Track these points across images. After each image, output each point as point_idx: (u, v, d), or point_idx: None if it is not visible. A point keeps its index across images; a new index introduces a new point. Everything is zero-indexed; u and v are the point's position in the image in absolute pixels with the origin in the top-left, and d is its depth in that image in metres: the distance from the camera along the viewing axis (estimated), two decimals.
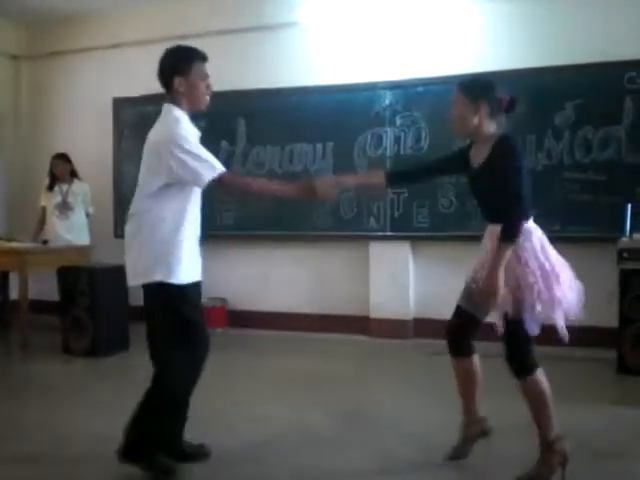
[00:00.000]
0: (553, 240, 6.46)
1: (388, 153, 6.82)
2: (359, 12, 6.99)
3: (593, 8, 6.26)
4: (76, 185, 7.40)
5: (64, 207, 7.30)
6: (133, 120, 7.94)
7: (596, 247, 6.11)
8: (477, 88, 3.51)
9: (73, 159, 7.45)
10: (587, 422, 4.31)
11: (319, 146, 7.14)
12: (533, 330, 3.36)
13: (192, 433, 3.80)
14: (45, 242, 7.12)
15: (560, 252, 6.38)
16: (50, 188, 7.34)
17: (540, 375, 3.38)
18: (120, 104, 7.97)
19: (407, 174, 4.08)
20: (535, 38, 6.40)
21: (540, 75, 6.29)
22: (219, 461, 3.67)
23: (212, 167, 3.32)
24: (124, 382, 5.41)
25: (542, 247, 3.47)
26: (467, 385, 3.60)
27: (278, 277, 7.46)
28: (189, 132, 3.40)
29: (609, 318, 5.62)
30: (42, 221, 7.43)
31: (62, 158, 7.37)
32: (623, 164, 6.09)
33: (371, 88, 6.88)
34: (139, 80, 7.87)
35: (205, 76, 3.62)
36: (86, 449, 3.89)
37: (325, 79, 7.15)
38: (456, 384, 3.63)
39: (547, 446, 3.34)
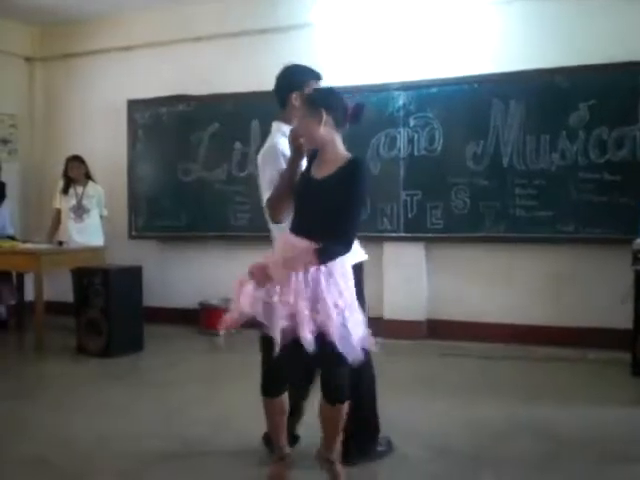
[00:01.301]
0: (567, 241, 6.49)
1: (402, 154, 6.81)
2: (372, 13, 6.98)
3: (608, 9, 6.22)
4: (91, 187, 7.43)
5: (79, 210, 7.33)
6: (147, 122, 7.96)
7: (611, 248, 6.08)
8: (318, 97, 3.25)
9: (87, 161, 7.48)
10: (601, 424, 4.29)
11: None
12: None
13: (203, 433, 3.82)
14: (60, 243, 7.16)
15: (574, 253, 6.41)
16: (65, 191, 7.37)
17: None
18: (134, 106, 8.00)
19: None
20: (549, 39, 6.37)
21: (554, 76, 6.26)
22: (231, 462, 3.68)
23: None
24: (138, 383, 5.43)
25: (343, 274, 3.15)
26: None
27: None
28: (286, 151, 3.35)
29: (624, 320, 5.60)
30: (57, 223, 7.46)
31: (77, 160, 7.40)
32: (638, 164, 6.04)
33: (385, 89, 6.87)
34: (153, 82, 7.93)
35: None
36: (100, 449, 3.90)
37: (338, 80, 7.14)
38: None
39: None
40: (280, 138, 3.48)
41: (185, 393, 5.01)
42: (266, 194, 3.42)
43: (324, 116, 3.09)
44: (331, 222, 3.00)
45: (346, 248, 3.04)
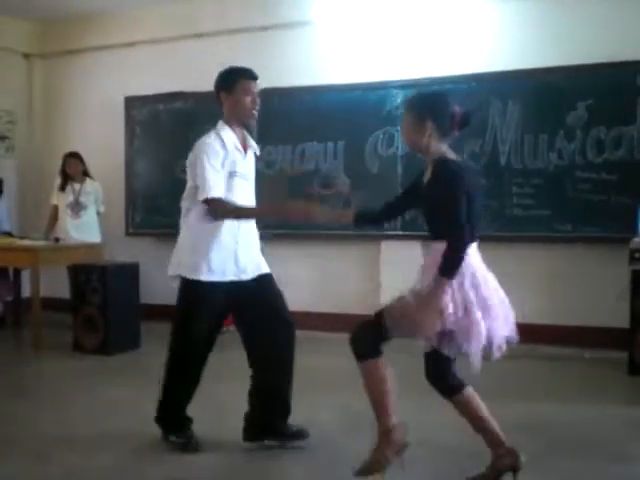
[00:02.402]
0: (564, 240, 6.49)
1: (399, 152, 6.81)
2: (371, 11, 6.98)
3: (606, 8, 6.23)
4: (88, 184, 7.42)
5: (76, 206, 7.32)
6: (145, 119, 7.96)
7: (608, 247, 6.09)
8: (424, 105, 3.26)
9: (85, 157, 7.47)
10: (598, 423, 4.30)
11: (330, 145, 7.13)
12: (450, 354, 3.27)
13: (204, 430, 3.82)
14: (57, 240, 7.15)
15: (571, 252, 6.42)
16: (62, 188, 7.36)
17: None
18: (132, 103, 7.99)
19: (376, 217, 3.85)
20: (547, 38, 6.38)
21: (552, 75, 6.27)
22: (231, 458, 3.69)
23: (209, 189, 3.61)
24: (135, 380, 5.43)
25: (472, 275, 3.26)
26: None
27: (289, 276, 7.41)
28: (219, 149, 3.71)
29: (620, 319, 5.61)
30: (54, 219, 7.45)
31: (75, 157, 7.39)
32: (635, 164, 6.06)
33: (383, 87, 6.87)
34: (152, 79, 7.92)
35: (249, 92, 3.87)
36: (98, 446, 3.90)
37: (337, 78, 7.15)
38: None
39: (382, 434, 3.29)
40: (212, 137, 3.76)
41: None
42: (216, 188, 3.65)
43: (429, 127, 3.15)
44: (438, 225, 3.16)
45: (457, 248, 3.05)
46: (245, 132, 3.97)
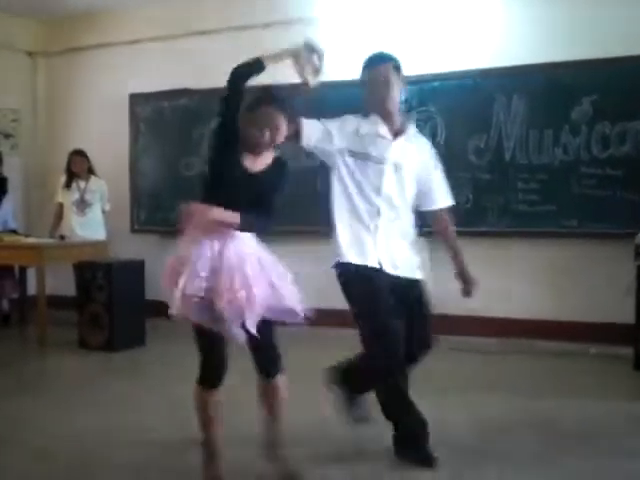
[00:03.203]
0: (570, 236, 6.48)
1: None
2: (375, 7, 6.97)
3: (611, 3, 6.20)
4: (93, 182, 7.42)
5: (82, 204, 7.33)
6: (149, 116, 7.97)
7: (613, 243, 6.08)
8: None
9: (89, 155, 7.47)
10: (604, 418, 4.29)
11: None
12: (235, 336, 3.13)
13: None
14: (62, 237, 7.16)
15: (577, 248, 6.41)
16: (67, 185, 7.37)
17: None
18: (136, 100, 8.00)
19: None
20: (552, 33, 6.35)
21: (557, 70, 6.25)
22: (236, 456, 3.68)
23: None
24: (141, 377, 5.44)
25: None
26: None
27: (295, 272, 7.44)
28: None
29: (626, 314, 5.60)
30: (59, 217, 7.46)
31: (80, 155, 7.39)
32: None
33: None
34: (156, 76, 7.92)
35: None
36: (104, 444, 3.91)
37: (340, 74, 7.13)
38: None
39: None
40: None
41: (188, 387, 4.98)
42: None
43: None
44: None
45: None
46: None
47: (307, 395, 4.30)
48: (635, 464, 3.58)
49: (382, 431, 3.68)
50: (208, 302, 3.05)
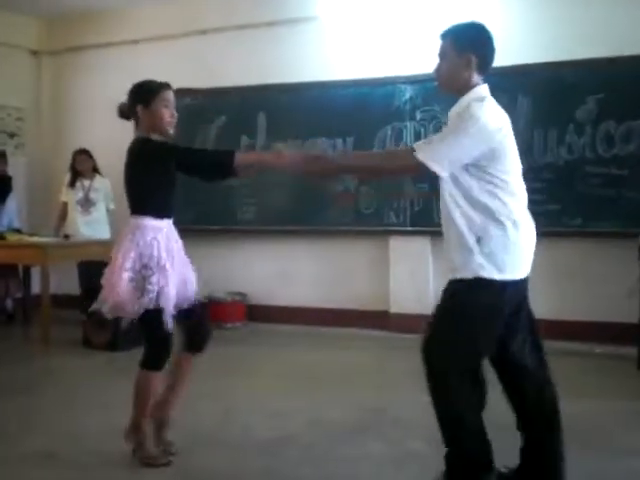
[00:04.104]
0: (574, 235, 6.46)
1: None
2: (378, 6, 6.96)
3: (616, 2, 6.20)
4: (98, 181, 7.42)
5: (86, 203, 7.33)
6: None
7: (617, 242, 6.07)
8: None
9: (94, 154, 7.47)
10: (608, 418, 4.29)
11: (339, 141, 7.12)
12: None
13: (210, 426, 3.82)
14: (67, 237, 7.16)
15: (581, 247, 6.39)
16: (72, 184, 7.37)
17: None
18: None
19: None
20: (556, 31, 6.34)
21: (561, 69, 6.25)
22: (237, 455, 3.69)
23: None
24: None
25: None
26: None
27: (298, 272, 7.47)
28: None
29: (630, 314, 5.59)
30: (63, 216, 7.46)
31: (84, 153, 7.39)
32: None
33: (391, 82, 6.85)
34: (159, 75, 7.83)
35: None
36: (108, 443, 3.90)
37: (345, 74, 7.14)
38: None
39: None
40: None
41: (191, 386, 5.00)
42: None
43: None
44: None
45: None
46: None
47: (306, 395, 4.30)
48: (638, 463, 3.58)
49: None
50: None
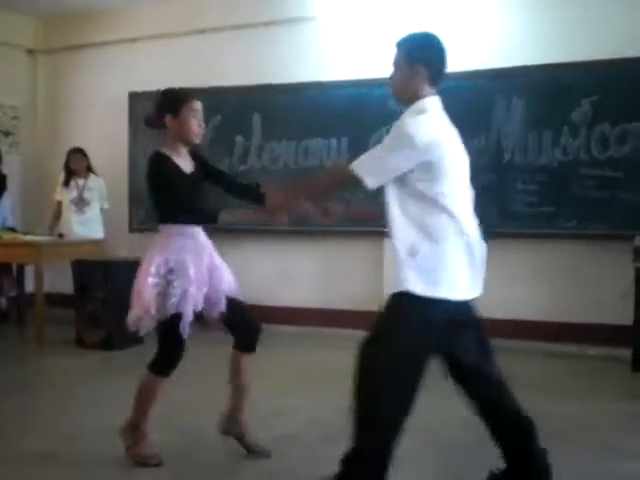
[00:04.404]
0: (568, 237, 6.47)
1: None
2: (375, 7, 6.97)
3: (611, 4, 6.21)
4: (92, 180, 7.41)
5: (80, 202, 7.32)
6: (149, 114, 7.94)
7: (612, 244, 6.08)
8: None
9: (89, 153, 7.46)
10: (601, 420, 4.30)
11: (334, 141, 7.12)
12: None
13: (210, 426, 3.82)
14: (61, 236, 7.15)
15: (575, 249, 6.40)
16: (66, 183, 7.36)
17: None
18: (136, 99, 7.98)
19: None
20: (551, 34, 6.35)
21: (557, 71, 6.25)
22: (237, 455, 3.68)
23: None
24: (139, 376, 5.41)
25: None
26: None
27: (294, 272, 7.46)
28: None
29: (624, 316, 5.60)
30: (57, 215, 7.45)
31: (79, 152, 7.38)
32: None
33: (387, 83, 6.82)
34: (155, 75, 7.91)
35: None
36: (103, 443, 3.90)
37: (340, 74, 7.14)
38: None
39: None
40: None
41: (186, 387, 4.99)
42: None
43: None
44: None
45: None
46: None
47: (305, 395, 4.29)
48: (633, 465, 3.59)
49: None
50: None
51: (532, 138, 6.35)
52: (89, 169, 7.43)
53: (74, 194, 7.33)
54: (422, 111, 2.98)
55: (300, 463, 3.55)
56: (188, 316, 3.47)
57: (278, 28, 7.37)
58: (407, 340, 2.88)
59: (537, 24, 6.43)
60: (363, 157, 2.88)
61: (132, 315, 3.66)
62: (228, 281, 3.68)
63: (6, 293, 7.72)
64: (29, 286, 7.35)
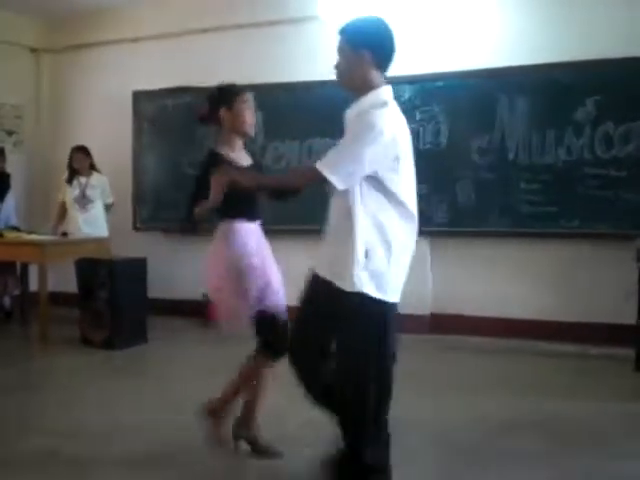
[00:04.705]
0: (572, 236, 6.46)
1: None
2: (378, 6, 6.96)
3: (616, 4, 6.20)
4: (94, 178, 7.40)
5: (83, 200, 7.31)
6: (152, 113, 7.96)
7: (615, 244, 6.08)
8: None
9: (92, 152, 7.45)
10: (604, 419, 4.30)
11: (338, 141, 7.11)
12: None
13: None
14: (65, 234, 7.16)
15: (579, 249, 6.40)
16: (69, 181, 7.36)
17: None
18: (139, 97, 8.00)
19: None
20: (555, 33, 6.35)
21: (560, 70, 6.25)
22: (240, 456, 3.69)
23: None
24: (143, 375, 5.45)
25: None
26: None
27: (296, 273, 7.43)
28: None
29: (627, 315, 5.60)
30: (62, 214, 7.44)
31: (82, 151, 7.37)
32: None
33: (390, 82, 6.82)
34: (159, 74, 7.93)
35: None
36: (107, 441, 3.91)
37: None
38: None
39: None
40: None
41: (190, 385, 5.02)
42: None
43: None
44: None
45: None
46: None
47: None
48: (636, 465, 3.59)
49: None
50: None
51: (536, 137, 6.35)
52: (92, 167, 7.43)
53: (77, 192, 7.32)
54: (384, 104, 2.94)
55: (301, 463, 3.55)
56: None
57: (281, 28, 7.37)
58: (368, 337, 2.93)
59: (540, 23, 6.42)
60: (332, 156, 2.84)
61: (221, 321, 3.57)
62: (277, 282, 3.70)
63: (10, 292, 7.74)
64: (33, 285, 7.36)
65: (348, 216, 2.85)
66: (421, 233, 6.95)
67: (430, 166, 6.67)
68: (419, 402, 4.62)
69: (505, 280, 6.60)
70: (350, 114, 3.04)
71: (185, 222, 3.62)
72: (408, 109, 6.78)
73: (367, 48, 2.94)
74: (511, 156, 6.43)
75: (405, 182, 2.93)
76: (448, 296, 6.84)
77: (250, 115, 3.59)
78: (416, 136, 6.74)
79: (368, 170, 2.80)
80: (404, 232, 2.96)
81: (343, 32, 3.01)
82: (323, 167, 2.79)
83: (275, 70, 7.39)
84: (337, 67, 3.05)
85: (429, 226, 6.75)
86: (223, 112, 3.57)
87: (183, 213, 3.60)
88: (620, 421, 4.28)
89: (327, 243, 3.01)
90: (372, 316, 2.91)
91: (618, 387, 5.05)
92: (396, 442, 3.85)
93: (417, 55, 6.81)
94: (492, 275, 6.67)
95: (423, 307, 6.89)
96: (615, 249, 6.06)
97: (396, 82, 7.07)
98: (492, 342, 6.36)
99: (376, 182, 2.84)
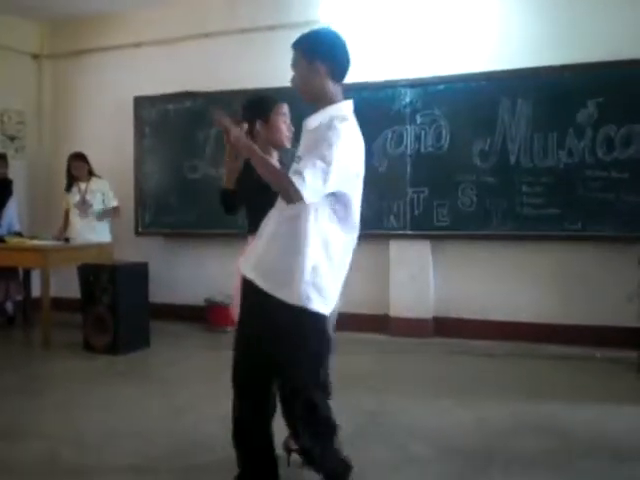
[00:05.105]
0: (574, 239, 6.46)
1: (408, 151, 6.79)
2: (379, 10, 6.97)
3: (616, 5, 6.21)
4: (94, 183, 7.40)
5: (83, 205, 7.30)
6: (154, 119, 7.97)
7: (618, 246, 6.07)
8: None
9: (94, 158, 7.46)
10: (609, 422, 4.28)
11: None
12: None
13: (210, 428, 3.82)
14: (67, 240, 7.16)
15: (581, 251, 6.41)
16: (68, 189, 7.38)
17: None
18: (141, 103, 8.00)
19: None
20: (556, 35, 6.35)
21: (562, 73, 6.25)
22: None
23: None
24: (145, 379, 5.44)
25: None
26: None
27: None
28: None
29: (631, 318, 5.60)
30: (67, 221, 7.45)
31: (79, 158, 7.36)
32: None
33: (391, 86, 6.86)
34: (160, 79, 7.94)
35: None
36: (109, 446, 3.91)
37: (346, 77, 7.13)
38: None
39: None
40: None
41: (192, 390, 5.02)
42: None
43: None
44: None
45: None
46: None
47: None
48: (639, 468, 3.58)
49: None
50: None
51: (537, 140, 6.35)
52: (90, 173, 7.42)
53: (77, 198, 7.33)
54: (344, 119, 2.90)
55: (301, 466, 3.54)
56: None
57: (283, 32, 7.35)
58: (311, 350, 2.97)
59: (542, 26, 6.43)
60: (302, 173, 2.72)
61: None
62: None
63: (13, 297, 7.74)
64: (35, 290, 7.37)
65: (299, 230, 2.82)
66: (423, 237, 6.98)
67: (431, 169, 6.68)
68: (422, 405, 4.61)
69: (508, 283, 6.59)
70: (310, 124, 3.01)
71: (223, 205, 3.63)
72: (409, 112, 6.80)
73: (321, 60, 2.91)
74: (513, 159, 6.42)
75: (358, 197, 2.94)
76: (451, 300, 6.84)
77: (285, 127, 3.56)
78: (417, 139, 6.77)
79: (335, 187, 2.78)
80: (343, 248, 2.95)
81: (297, 45, 2.98)
82: (301, 185, 2.71)
83: (277, 74, 7.36)
84: (292, 81, 3.02)
85: (431, 230, 6.76)
86: (259, 125, 3.52)
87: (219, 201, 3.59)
88: (625, 424, 4.27)
89: (268, 250, 2.94)
90: (314, 329, 2.94)
91: (621, 389, 5.04)
92: (398, 445, 3.86)
93: (418, 58, 6.82)
94: (494, 278, 6.67)
95: (426, 311, 6.88)
96: (618, 251, 6.06)
97: (397, 85, 7.16)
98: (495, 345, 6.36)
99: (333, 197, 2.82)
